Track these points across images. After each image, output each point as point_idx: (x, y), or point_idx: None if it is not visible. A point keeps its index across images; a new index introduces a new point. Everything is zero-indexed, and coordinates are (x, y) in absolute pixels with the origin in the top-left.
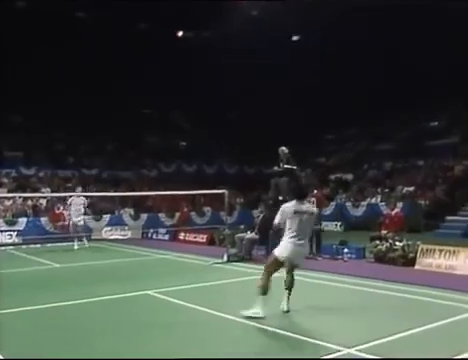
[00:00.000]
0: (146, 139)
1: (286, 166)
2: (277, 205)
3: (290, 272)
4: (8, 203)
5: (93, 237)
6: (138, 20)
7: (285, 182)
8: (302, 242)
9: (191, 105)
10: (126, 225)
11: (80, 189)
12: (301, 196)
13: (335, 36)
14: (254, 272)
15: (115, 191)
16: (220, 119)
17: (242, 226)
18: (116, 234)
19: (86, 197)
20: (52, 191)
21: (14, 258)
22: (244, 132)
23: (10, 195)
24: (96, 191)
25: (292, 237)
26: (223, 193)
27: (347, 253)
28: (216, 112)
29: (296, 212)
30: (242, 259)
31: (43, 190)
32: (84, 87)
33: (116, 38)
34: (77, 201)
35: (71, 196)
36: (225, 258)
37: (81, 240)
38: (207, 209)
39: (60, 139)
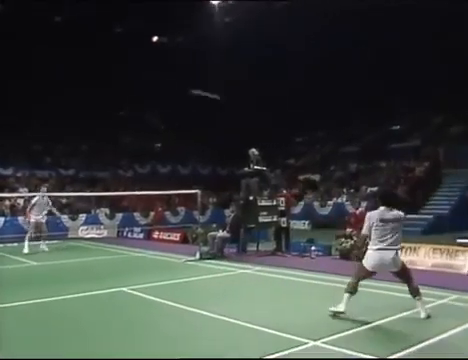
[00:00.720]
0: (122, 140)
1: (256, 167)
2: (247, 205)
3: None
4: None
5: (69, 236)
6: (113, 23)
7: (255, 183)
8: (387, 247)
9: (165, 107)
10: (102, 224)
11: (45, 189)
12: (389, 203)
13: (306, 40)
14: (226, 269)
15: (91, 191)
16: (193, 121)
17: (214, 225)
18: (92, 233)
19: (50, 197)
20: (29, 191)
21: None
22: (217, 134)
23: None
24: (73, 191)
25: (377, 245)
26: (196, 193)
27: (314, 250)
28: (189, 114)
29: (382, 220)
30: (214, 257)
31: (21, 190)
32: (60, 89)
33: (91, 39)
34: (42, 201)
35: (35, 196)
36: (198, 256)
37: (43, 240)
38: (181, 208)
39: (37, 140)
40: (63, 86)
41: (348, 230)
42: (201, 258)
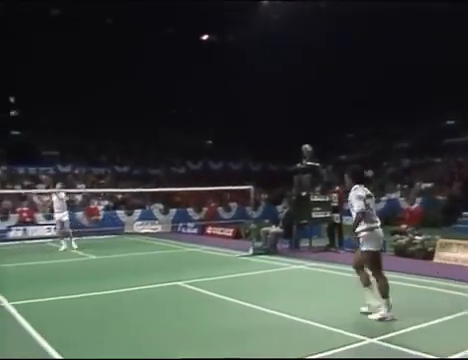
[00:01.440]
0: (174, 138)
1: (309, 163)
2: (300, 201)
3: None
4: (46, 199)
5: (125, 230)
6: (162, 22)
7: (308, 178)
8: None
9: (217, 106)
10: (156, 219)
11: (59, 185)
12: (363, 180)
13: (353, 36)
14: (279, 264)
15: (145, 187)
16: (245, 118)
17: (267, 220)
18: (147, 228)
19: (66, 193)
20: (86, 187)
21: (53, 250)
22: (268, 131)
23: (46, 191)
24: (127, 187)
25: (373, 223)
26: (249, 189)
27: None
28: (240, 111)
29: (368, 196)
30: (267, 252)
31: (78, 186)
32: (115, 88)
33: (140, 39)
34: (59, 197)
35: (51, 192)
36: (251, 251)
37: (68, 237)
38: (233, 204)
39: (93, 138)
40: (118, 85)
41: (403, 226)
42: (254, 253)
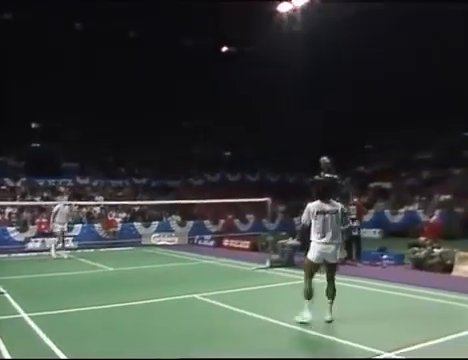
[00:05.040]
0: (192, 150)
1: (327, 175)
2: None
3: (330, 281)
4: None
5: (143, 242)
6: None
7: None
8: (328, 240)
9: (235, 117)
10: (173, 231)
11: (66, 197)
12: (324, 196)
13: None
14: (296, 277)
15: (163, 199)
16: (261, 129)
17: (284, 233)
18: (164, 240)
19: (69, 205)
20: (105, 199)
21: (71, 262)
22: (285, 142)
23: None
24: (145, 199)
25: (318, 237)
26: (266, 201)
27: (386, 259)
28: (257, 123)
29: (319, 212)
30: (284, 265)
31: (97, 198)
32: (130, 103)
33: (157, 53)
34: (64, 210)
35: (56, 204)
36: (268, 264)
37: (60, 249)
38: (250, 216)
39: (111, 151)
40: (136, 98)
41: (422, 239)
42: (271, 266)
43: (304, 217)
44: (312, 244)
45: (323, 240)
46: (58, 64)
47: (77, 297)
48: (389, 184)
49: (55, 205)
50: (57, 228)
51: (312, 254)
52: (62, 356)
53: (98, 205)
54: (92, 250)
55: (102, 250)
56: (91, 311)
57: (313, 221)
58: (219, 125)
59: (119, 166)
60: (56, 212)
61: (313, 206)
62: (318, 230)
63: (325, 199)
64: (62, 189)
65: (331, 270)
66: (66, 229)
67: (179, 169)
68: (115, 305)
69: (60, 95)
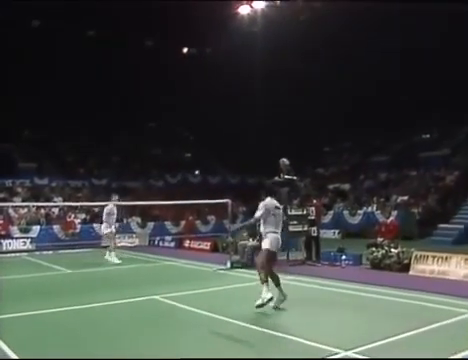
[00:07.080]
0: (152, 151)
1: (286, 177)
2: None
3: (274, 271)
4: (22, 211)
5: (102, 244)
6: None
7: (286, 192)
8: (279, 232)
9: (195, 119)
10: (134, 233)
11: (117, 197)
12: (273, 193)
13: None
14: (256, 278)
15: (123, 200)
16: (223, 131)
17: (245, 234)
18: (124, 241)
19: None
20: (63, 200)
21: (28, 264)
22: (246, 144)
23: (24, 204)
24: (105, 200)
25: (274, 229)
26: (227, 202)
27: (345, 260)
28: (218, 126)
29: (276, 208)
30: (245, 266)
31: (55, 199)
32: (90, 103)
33: (121, 53)
34: (115, 210)
35: (107, 204)
36: (228, 265)
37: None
38: (211, 217)
39: (70, 152)
40: (96, 98)
41: (379, 239)
42: (232, 267)
43: (262, 213)
44: (270, 235)
45: (278, 232)
46: (15, 62)
47: (33, 300)
48: (347, 186)
49: (106, 205)
50: (107, 229)
51: (272, 244)
52: (14, 356)
53: (57, 206)
54: (50, 252)
55: (61, 252)
56: (47, 314)
57: (271, 217)
58: (179, 126)
59: (78, 167)
60: (108, 213)
61: (270, 204)
62: (274, 224)
63: (275, 198)
64: (19, 190)
65: (275, 259)
66: (114, 230)
67: (139, 170)
68: (73, 308)
69: (17, 94)
